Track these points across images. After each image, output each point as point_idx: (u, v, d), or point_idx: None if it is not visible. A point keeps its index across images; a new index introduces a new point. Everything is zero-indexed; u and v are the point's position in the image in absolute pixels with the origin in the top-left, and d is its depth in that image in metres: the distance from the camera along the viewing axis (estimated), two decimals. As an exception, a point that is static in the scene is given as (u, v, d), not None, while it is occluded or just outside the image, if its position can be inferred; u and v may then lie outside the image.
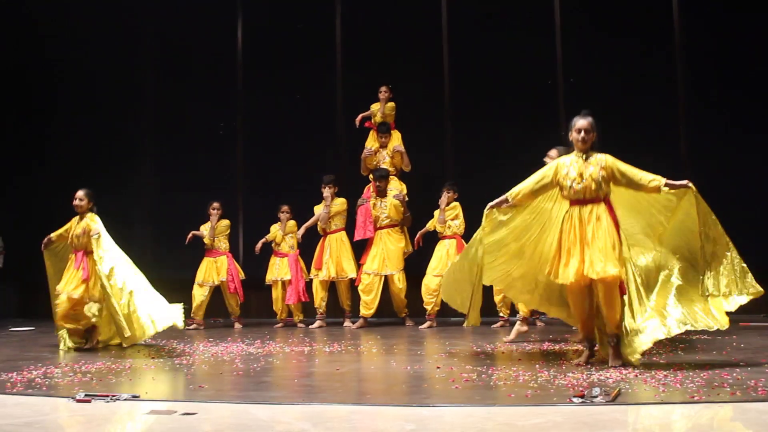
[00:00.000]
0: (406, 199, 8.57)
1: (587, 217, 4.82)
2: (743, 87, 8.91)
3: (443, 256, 8.20)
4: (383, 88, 8.99)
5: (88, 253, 6.57)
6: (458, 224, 8.29)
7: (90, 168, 9.49)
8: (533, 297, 5.39)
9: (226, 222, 8.93)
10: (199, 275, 8.80)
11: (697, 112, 9.11)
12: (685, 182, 4.80)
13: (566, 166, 4.96)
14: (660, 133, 9.08)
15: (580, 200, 4.89)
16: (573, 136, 4.99)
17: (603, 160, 4.90)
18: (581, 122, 4.96)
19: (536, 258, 5.14)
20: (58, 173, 9.83)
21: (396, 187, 8.63)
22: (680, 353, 5.26)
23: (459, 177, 8.92)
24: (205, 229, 8.84)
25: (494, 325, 7.90)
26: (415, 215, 8.63)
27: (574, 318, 5.17)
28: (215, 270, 8.76)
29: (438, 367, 4.88)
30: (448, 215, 8.29)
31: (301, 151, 9.73)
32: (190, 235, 8.82)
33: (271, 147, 10.02)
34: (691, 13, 9.24)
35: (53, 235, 6.96)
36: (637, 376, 4.26)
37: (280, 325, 8.74)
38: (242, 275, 8.87)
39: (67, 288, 6.58)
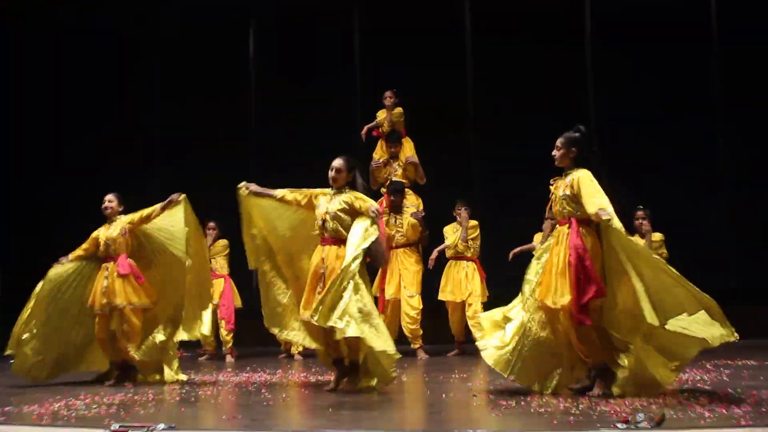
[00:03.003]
0: (422, 214, 7.80)
1: (558, 239, 4.58)
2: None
3: (462, 280, 7.66)
4: (388, 93, 8.21)
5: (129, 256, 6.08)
6: (478, 246, 7.80)
7: (94, 193, 9.37)
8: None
9: (223, 242, 8.32)
10: None
11: (735, 128, 9.13)
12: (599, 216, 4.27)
13: (556, 185, 4.74)
14: (696, 147, 9.09)
15: (558, 221, 4.66)
16: None
17: (573, 177, 4.58)
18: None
19: None
20: (59, 201, 9.84)
21: (413, 202, 7.86)
22: (725, 378, 5.18)
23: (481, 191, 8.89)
24: None
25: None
26: (432, 232, 8.00)
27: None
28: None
29: (474, 395, 4.77)
30: (470, 234, 7.75)
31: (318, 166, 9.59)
32: None
33: (286, 163, 9.69)
34: (730, 26, 9.31)
35: (71, 255, 6.18)
36: (681, 402, 4.16)
37: (283, 355, 8.27)
38: (239, 303, 8.29)
39: (128, 299, 5.95)
